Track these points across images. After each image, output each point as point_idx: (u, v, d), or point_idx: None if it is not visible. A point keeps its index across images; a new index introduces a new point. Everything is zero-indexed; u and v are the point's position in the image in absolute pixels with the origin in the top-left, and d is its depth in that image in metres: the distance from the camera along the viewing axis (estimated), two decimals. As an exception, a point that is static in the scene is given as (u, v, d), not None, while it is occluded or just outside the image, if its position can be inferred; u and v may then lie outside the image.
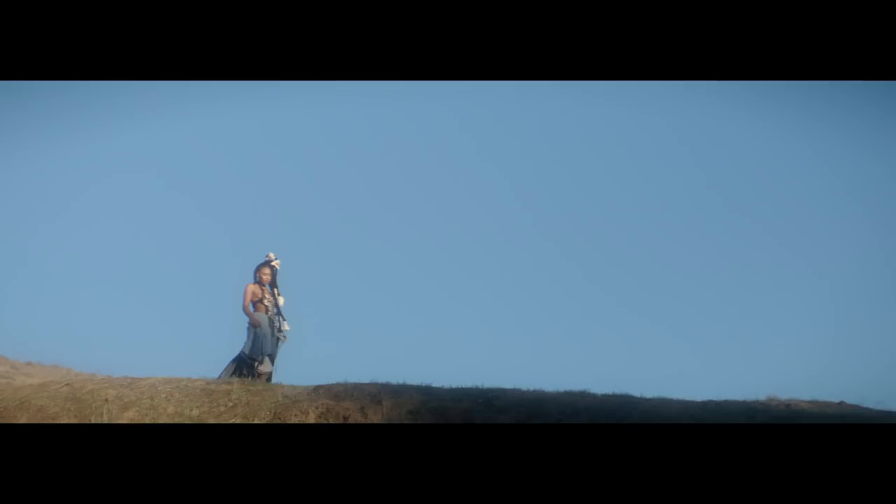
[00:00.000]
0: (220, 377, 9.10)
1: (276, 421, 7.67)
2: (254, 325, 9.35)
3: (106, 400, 8.17)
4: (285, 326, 9.56)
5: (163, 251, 20.38)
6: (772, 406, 8.14)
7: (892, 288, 17.97)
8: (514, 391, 7.76)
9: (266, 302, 9.59)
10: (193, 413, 7.88)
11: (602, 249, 20.27)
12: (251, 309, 9.48)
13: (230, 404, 7.88)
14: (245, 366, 9.32)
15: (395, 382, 7.94)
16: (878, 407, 8.25)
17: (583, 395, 7.82)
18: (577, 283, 19.72)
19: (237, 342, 9.43)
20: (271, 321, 9.49)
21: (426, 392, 7.77)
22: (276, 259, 9.77)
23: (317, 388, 7.96)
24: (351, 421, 7.58)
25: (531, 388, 7.84)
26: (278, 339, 9.49)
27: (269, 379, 9.26)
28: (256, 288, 9.60)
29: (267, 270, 9.68)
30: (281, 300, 9.69)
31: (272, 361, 9.45)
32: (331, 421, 7.59)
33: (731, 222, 20.35)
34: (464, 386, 7.87)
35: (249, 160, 21.56)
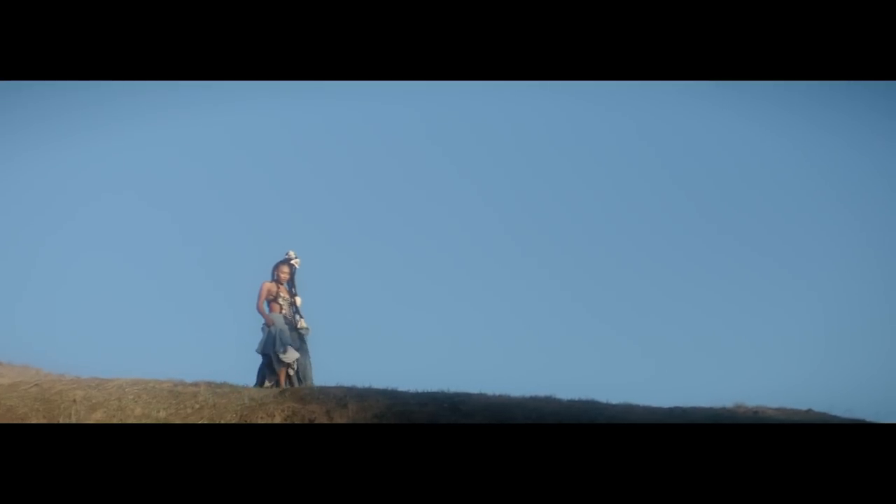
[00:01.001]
0: (256, 385, 8.94)
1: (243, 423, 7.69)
2: (267, 325, 9.18)
3: (74, 401, 8.18)
4: (302, 324, 9.33)
5: (143, 251, 20.34)
6: (739, 413, 8.16)
7: (864, 296, 17.98)
8: (480, 396, 7.79)
9: (281, 300, 9.37)
10: (160, 415, 7.88)
11: (570, 255, 20.23)
12: (265, 307, 9.31)
13: (197, 406, 7.89)
14: (266, 365, 9.10)
15: (361, 386, 7.95)
16: (847, 415, 8.27)
17: (548, 401, 7.84)
18: (545, 288, 19.69)
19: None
20: (287, 319, 9.28)
21: (392, 396, 7.78)
22: (296, 257, 9.58)
23: (283, 391, 7.98)
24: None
25: (497, 392, 7.84)
26: (300, 334, 9.25)
27: (300, 372, 9.05)
28: (272, 286, 9.41)
29: (286, 268, 9.49)
30: (298, 300, 9.46)
31: (295, 351, 9.19)
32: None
33: (701, 229, 20.32)
34: (430, 390, 7.87)
35: (227, 162, 21.50)
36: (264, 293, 9.37)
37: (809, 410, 8.39)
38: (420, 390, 7.89)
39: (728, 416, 7.99)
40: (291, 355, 9.08)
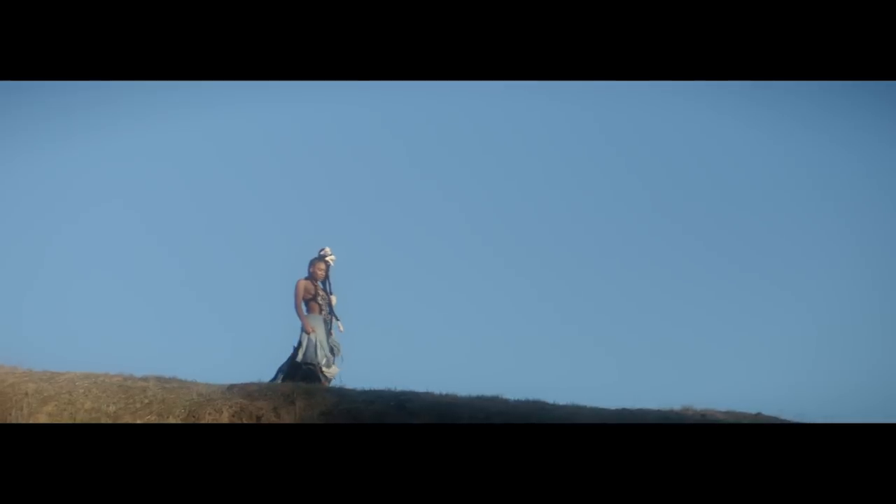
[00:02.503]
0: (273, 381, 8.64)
1: (191, 419, 7.71)
2: (306, 331, 8.85)
3: (27, 394, 8.19)
4: (340, 327, 9.06)
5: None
6: (687, 415, 8.19)
7: (814, 300, 18.03)
8: (427, 395, 7.82)
9: (320, 300, 9.09)
10: (110, 409, 7.91)
11: (521, 255, 20.19)
12: (304, 309, 8.96)
13: (146, 401, 7.91)
14: (299, 371, 8.75)
15: (308, 383, 7.98)
16: (797, 420, 8.29)
17: (495, 401, 7.88)
18: (493, 286, 19.68)
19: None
20: (326, 322, 9.00)
21: (339, 393, 7.83)
22: (331, 254, 9.31)
23: (231, 387, 8.00)
24: (264, 421, 7.62)
25: (444, 392, 7.87)
26: (331, 349, 8.93)
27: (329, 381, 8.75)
28: (309, 284, 9.10)
29: (322, 265, 9.18)
30: (333, 299, 9.20)
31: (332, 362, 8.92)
32: (244, 420, 7.63)
33: (659, 229, 20.28)
34: (376, 388, 7.90)
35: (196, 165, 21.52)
36: (301, 292, 9.03)
37: (759, 414, 8.41)
38: (367, 388, 7.91)
39: (676, 418, 8.02)
40: (334, 370, 8.81)
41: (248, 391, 7.88)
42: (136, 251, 19.95)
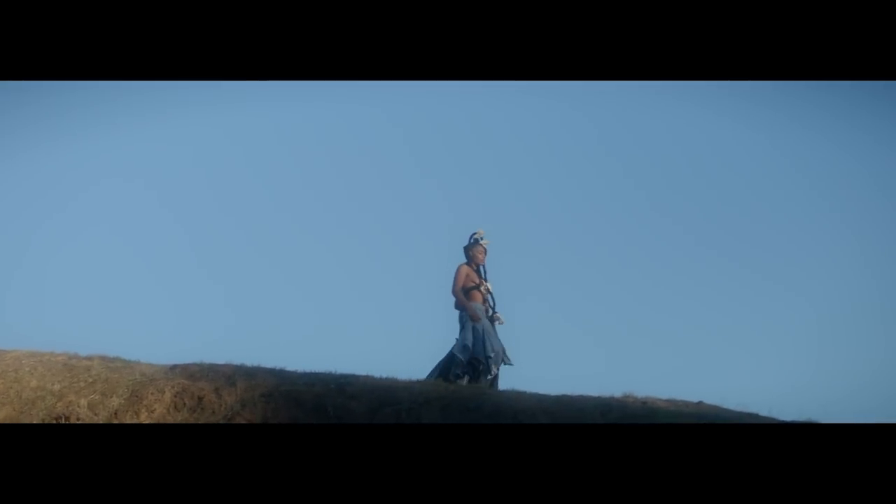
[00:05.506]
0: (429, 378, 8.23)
1: (134, 399, 7.79)
2: (472, 319, 8.26)
3: (-27, 371, 8.29)
4: (500, 319, 8.51)
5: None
6: (628, 403, 8.22)
7: (759, 292, 18.10)
8: (367, 378, 7.89)
9: (482, 289, 8.50)
10: (55, 387, 8.00)
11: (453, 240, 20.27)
12: (464, 297, 8.33)
13: (90, 380, 8.00)
14: (459, 367, 8.21)
15: (250, 364, 8.04)
16: (739, 409, 8.32)
17: (435, 385, 7.92)
18: (433, 272, 19.83)
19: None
20: (488, 314, 8.42)
21: (279, 375, 7.89)
22: (485, 238, 8.74)
23: (173, 367, 8.08)
24: (206, 401, 7.70)
25: (384, 375, 7.92)
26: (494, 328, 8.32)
27: (493, 383, 8.24)
28: (470, 271, 8.56)
29: (481, 250, 8.64)
30: (489, 286, 8.59)
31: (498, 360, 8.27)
32: (186, 401, 7.71)
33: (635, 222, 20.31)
34: (317, 371, 7.96)
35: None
36: (463, 278, 8.49)
37: (701, 402, 8.44)
38: (308, 370, 7.97)
39: (617, 406, 8.06)
40: (494, 370, 8.23)
41: (190, 371, 7.96)
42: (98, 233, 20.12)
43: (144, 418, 7.55)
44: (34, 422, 7.63)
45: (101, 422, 7.60)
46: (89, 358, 8.30)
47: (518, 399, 8.01)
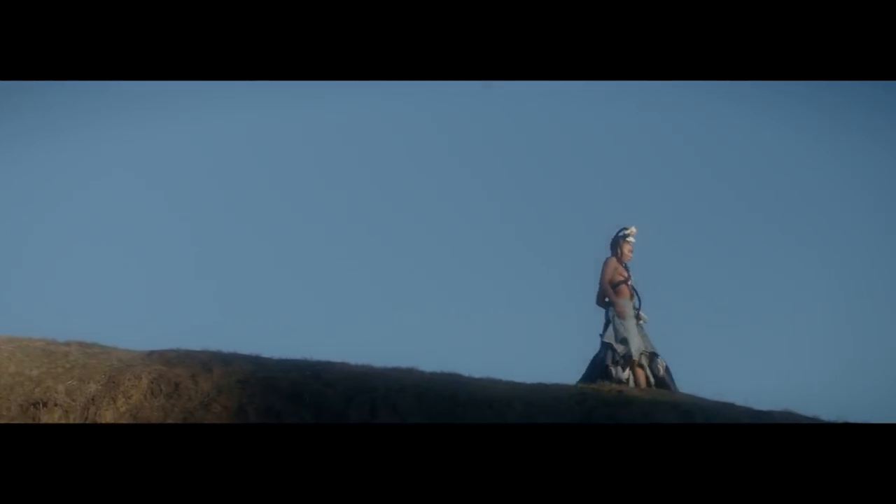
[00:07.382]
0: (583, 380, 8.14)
1: (111, 384, 7.83)
2: (619, 316, 8.11)
3: (-48, 356, 8.32)
4: (643, 317, 8.29)
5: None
6: (603, 391, 8.27)
7: (734, 281, 18.17)
8: (342, 365, 7.94)
9: (631, 284, 8.26)
10: (33, 373, 8.02)
11: (427, 228, 20.41)
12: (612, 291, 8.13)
13: (68, 366, 8.03)
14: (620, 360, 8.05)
15: (227, 351, 8.09)
16: (715, 398, 8.37)
17: (410, 372, 7.99)
18: (410, 259, 19.92)
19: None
20: (635, 311, 8.22)
21: (255, 362, 7.94)
22: (634, 236, 8.45)
23: (150, 354, 8.13)
24: (182, 388, 7.74)
25: (359, 362, 7.97)
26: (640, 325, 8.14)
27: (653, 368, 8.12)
28: (619, 265, 8.31)
29: (629, 246, 8.36)
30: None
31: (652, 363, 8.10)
32: (162, 387, 7.75)
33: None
34: (293, 357, 8.00)
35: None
36: (611, 272, 8.28)
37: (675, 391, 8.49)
38: (284, 357, 8.02)
39: (592, 395, 8.11)
40: (627, 374, 8.09)
41: (167, 358, 8.00)
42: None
43: (121, 404, 7.59)
44: (12, 407, 7.66)
45: (78, 407, 7.65)
46: (67, 344, 8.33)
47: (493, 386, 8.07)
